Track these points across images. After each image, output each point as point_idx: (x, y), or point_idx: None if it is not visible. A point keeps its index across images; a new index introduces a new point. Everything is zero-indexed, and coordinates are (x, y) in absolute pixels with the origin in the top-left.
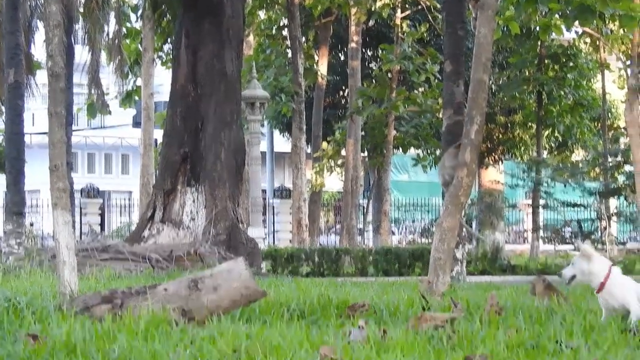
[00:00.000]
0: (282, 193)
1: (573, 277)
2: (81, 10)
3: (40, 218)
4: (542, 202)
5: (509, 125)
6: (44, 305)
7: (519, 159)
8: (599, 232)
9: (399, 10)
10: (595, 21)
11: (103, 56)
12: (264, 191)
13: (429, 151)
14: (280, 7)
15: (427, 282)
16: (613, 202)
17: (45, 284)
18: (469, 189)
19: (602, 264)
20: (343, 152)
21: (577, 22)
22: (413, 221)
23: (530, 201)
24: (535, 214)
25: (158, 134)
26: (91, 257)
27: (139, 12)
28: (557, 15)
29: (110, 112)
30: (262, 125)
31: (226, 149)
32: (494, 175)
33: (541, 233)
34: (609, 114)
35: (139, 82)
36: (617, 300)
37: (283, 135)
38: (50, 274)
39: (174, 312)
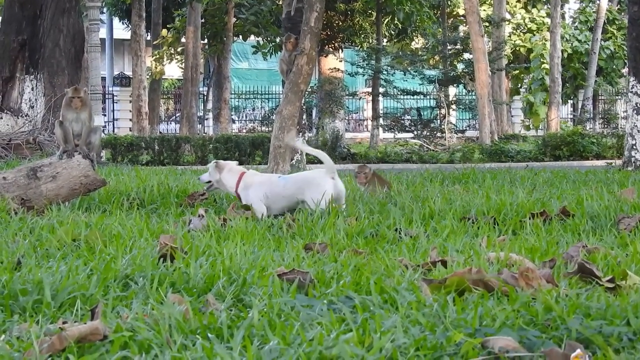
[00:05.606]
0: (122, 81)
1: (209, 183)
2: None
3: None
4: (381, 90)
5: (348, 12)
6: None
7: (359, 46)
8: (438, 120)
9: None
10: None
11: None
12: (103, 79)
13: (269, 39)
14: None
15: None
16: (452, 90)
17: None
18: (308, 76)
19: (233, 174)
20: (183, 40)
21: None
22: (253, 109)
23: (370, 89)
24: (375, 102)
25: None
26: None
27: None
28: None
29: None
30: (102, 12)
31: (65, 36)
32: (334, 63)
33: (381, 121)
34: (448, 2)
35: None
36: (246, 202)
37: (122, 22)
38: None
39: (13, 200)
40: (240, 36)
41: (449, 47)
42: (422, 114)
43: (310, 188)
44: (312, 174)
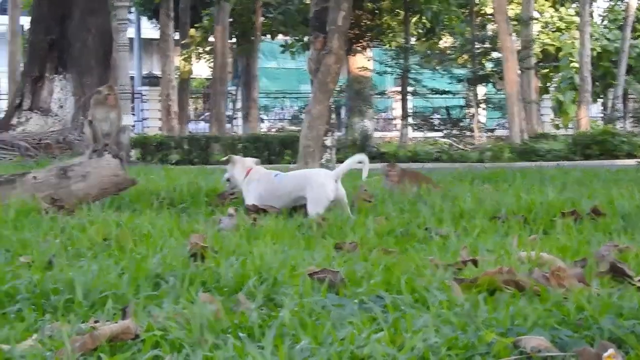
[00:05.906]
0: (151, 80)
1: (228, 180)
2: None
3: None
4: (410, 89)
5: (376, 11)
6: None
7: (387, 45)
8: (468, 119)
9: None
10: None
11: None
12: (132, 78)
13: (297, 38)
14: None
15: None
16: (481, 89)
17: None
18: (337, 75)
19: (243, 169)
20: (211, 39)
21: None
22: (282, 108)
23: (399, 88)
24: (404, 101)
25: (26, 21)
26: None
27: None
28: None
29: None
30: (130, 12)
31: (93, 36)
32: (363, 62)
33: (410, 120)
34: (476, 0)
35: None
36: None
37: (151, 22)
38: None
39: (43, 200)
40: (269, 35)
41: (477, 46)
42: (451, 112)
43: (312, 186)
44: (313, 172)
